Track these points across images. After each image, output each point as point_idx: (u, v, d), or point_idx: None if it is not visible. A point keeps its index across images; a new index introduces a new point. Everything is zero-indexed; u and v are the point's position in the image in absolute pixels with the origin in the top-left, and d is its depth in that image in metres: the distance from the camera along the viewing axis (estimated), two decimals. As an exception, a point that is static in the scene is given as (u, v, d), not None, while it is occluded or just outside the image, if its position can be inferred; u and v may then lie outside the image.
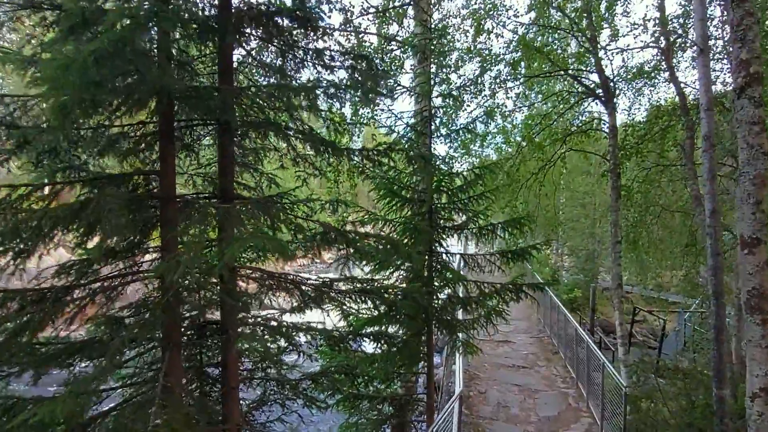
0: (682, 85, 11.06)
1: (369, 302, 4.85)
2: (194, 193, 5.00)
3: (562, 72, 11.26)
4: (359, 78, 4.08)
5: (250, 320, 5.07)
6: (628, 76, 12.41)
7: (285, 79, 4.32)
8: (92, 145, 4.32)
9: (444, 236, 7.53)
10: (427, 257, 7.20)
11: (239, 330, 5.18)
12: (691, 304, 22.42)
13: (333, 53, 4.43)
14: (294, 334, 5.56)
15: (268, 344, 5.23)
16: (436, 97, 7.12)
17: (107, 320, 4.36)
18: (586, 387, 11.08)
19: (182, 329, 5.17)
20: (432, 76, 6.90)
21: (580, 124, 12.24)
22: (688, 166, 10.64)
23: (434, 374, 8.15)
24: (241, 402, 6.20)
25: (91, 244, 4.19)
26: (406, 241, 7.72)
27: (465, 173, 7.30)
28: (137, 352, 4.26)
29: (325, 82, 4.05)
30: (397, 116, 7.41)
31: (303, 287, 4.62)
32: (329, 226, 4.39)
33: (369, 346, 6.44)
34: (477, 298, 7.67)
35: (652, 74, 12.14)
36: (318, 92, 3.95)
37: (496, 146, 12.78)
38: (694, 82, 13.55)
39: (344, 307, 5.00)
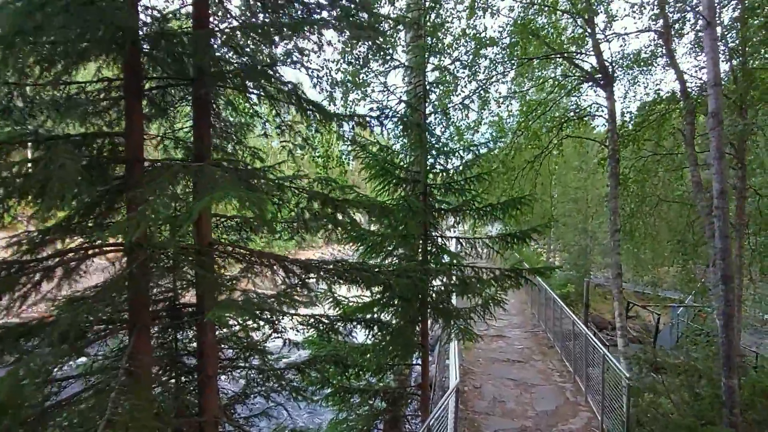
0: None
1: (361, 283, 4.40)
2: (166, 158, 4.52)
3: (559, 56, 10.90)
4: (349, 5, 3.62)
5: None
6: (626, 63, 12.11)
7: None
8: (50, 104, 3.84)
9: (439, 219, 7.12)
10: (421, 241, 6.77)
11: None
12: (684, 299, 22.33)
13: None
14: (279, 318, 5.12)
15: (248, 321, 4.78)
16: (431, 71, 6.70)
17: (67, 301, 3.88)
18: (584, 381, 10.73)
19: (155, 311, 4.70)
20: (426, 48, 6.47)
21: (578, 110, 11.89)
22: (689, 152, 10.34)
23: (429, 367, 7.74)
24: (222, 394, 5.73)
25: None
26: (400, 227, 7.30)
27: (461, 152, 6.88)
28: (99, 335, 3.78)
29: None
30: (389, 89, 6.97)
31: (287, 264, 4.16)
32: (315, 192, 3.95)
33: (360, 335, 5.99)
34: (475, 285, 7.26)
35: (650, 60, 11.84)
36: (305, 29, 3.50)
37: (492, 136, 12.39)
38: (691, 69, 13.26)
39: (333, 288, 4.56)
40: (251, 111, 4.90)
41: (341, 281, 4.49)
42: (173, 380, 4.86)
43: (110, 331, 3.88)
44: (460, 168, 7.04)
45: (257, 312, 3.98)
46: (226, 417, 5.07)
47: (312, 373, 5.44)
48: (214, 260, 4.23)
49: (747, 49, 10.99)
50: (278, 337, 5.20)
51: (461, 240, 7.05)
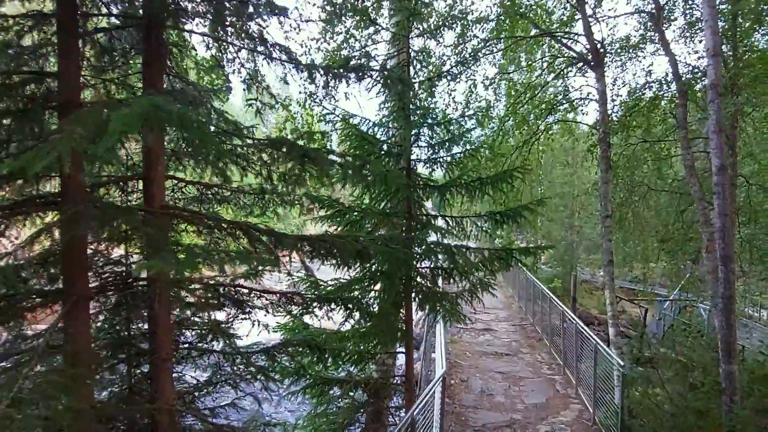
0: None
1: (336, 253, 3.89)
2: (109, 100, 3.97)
3: (548, 36, 10.51)
4: None
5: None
6: (616, 49, 11.77)
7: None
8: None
9: (424, 196, 6.64)
10: (405, 219, 6.29)
11: (175, 290, 4.18)
12: (670, 294, 22.24)
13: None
14: (247, 298, 4.60)
15: (209, 298, 4.25)
16: (417, 36, 6.22)
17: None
18: (574, 373, 10.37)
19: (103, 286, 4.14)
20: (409, 10, 5.96)
21: (567, 95, 11.52)
22: (682, 134, 10.01)
23: (413, 356, 7.23)
24: (184, 383, 5.19)
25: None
26: (381, 205, 6.82)
27: (448, 121, 6.40)
28: (30, 307, 3.23)
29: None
30: (370, 55, 6.47)
31: (254, 232, 3.64)
32: (281, 140, 3.45)
33: (338, 317, 5.47)
34: (463, 267, 6.80)
35: (640, 44, 11.51)
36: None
37: (478, 120, 11.95)
38: (682, 56, 12.99)
39: (310, 267, 4.07)
40: (212, 61, 4.37)
41: (315, 253, 3.99)
42: (124, 364, 4.31)
43: (42, 304, 3.33)
44: (447, 143, 6.56)
45: (215, 287, 3.47)
46: (185, 406, 4.53)
47: (284, 358, 4.92)
48: (168, 224, 3.70)
49: (738, 31, 10.72)
50: (245, 319, 4.67)
51: (447, 219, 6.55)
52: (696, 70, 10.49)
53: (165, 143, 4.05)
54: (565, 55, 11.02)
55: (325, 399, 7.24)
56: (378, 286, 6.73)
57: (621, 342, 10.29)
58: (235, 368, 4.93)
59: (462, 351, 12.78)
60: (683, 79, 10.36)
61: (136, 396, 4.40)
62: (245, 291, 4.54)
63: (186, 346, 4.51)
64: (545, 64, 11.31)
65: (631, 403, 7.96)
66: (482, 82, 10.66)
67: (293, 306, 4.89)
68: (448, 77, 6.72)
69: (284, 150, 3.20)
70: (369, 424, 7.47)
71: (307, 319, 6.30)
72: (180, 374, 4.89)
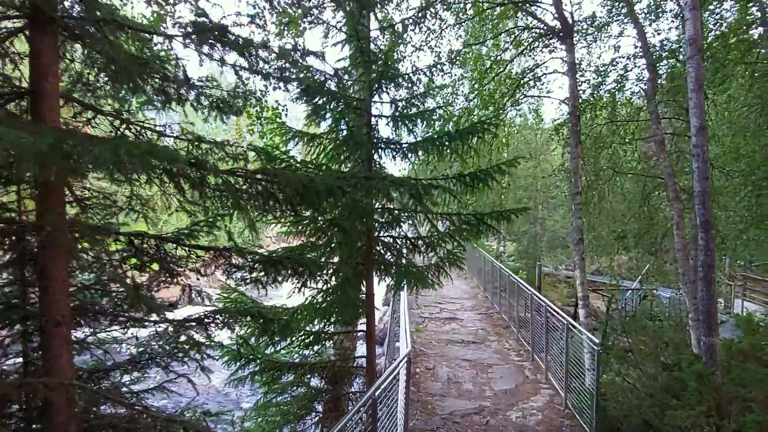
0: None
1: (274, 188, 3.16)
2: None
3: (513, 3, 10.03)
4: None
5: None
6: (584, 26, 11.44)
7: None
8: None
9: (387, 156, 5.98)
10: (365, 180, 5.59)
11: (77, 240, 3.38)
12: (632, 284, 22.42)
13: None
14: (172, 256, 3.81)
15: (124, 256, 3.45)
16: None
17: None
18: (544, 358, 9.92)
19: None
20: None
21: (536, 68, 11.08)
22: (652, 109, 9.73)
23: (375, 333, 6.54)
24: (97, 360, 4.33)
25: None
26: (338, 166, 6.10)
27: (414, 71, 5.74)
28: None
29: None
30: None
31: (182, 168, 2.88)
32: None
33: (288, 286, 4.71)
34: (431, 239, 6.17)
35: (609, 19, 11.21)
36: None
37: (444, 100, 11.40)
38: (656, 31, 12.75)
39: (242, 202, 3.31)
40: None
41: (251, 191, 3.25)
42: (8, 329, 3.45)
43: None
44: (411, 98, 5.91)
45: (129, 237, 2.67)
46: (93, 384, 3.71)
47: (221, 333, 4.13)
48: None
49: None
50: (173, 282, 3.88)
51: (406, 187, 5.88)
52: (666, 42, 10.23)
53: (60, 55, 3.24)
54: (533, 28, 10.59)
55: (277, 386, 6.48)
56: (336, 260, 6.03)
57: (591, 324, 9.95)
58: (162, 344, 4.13)
59: (427, 340, 12.20)
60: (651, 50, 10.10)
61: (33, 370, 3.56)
62: (170, 246, 3.76)
63: (94, 311, 3.66)
64: (513, 38, 10.84)
65: (607, 381, 7.54)
66: (448, 54, 10.08)
67: (233, 269, 4.13)
68: (413, 23, 6.08)
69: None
70: (327, 413, 6.75)
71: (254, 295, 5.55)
72: (90, 347, 4.04)
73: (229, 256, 3.99)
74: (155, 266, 3.82)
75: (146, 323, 3.85)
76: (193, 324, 3.88)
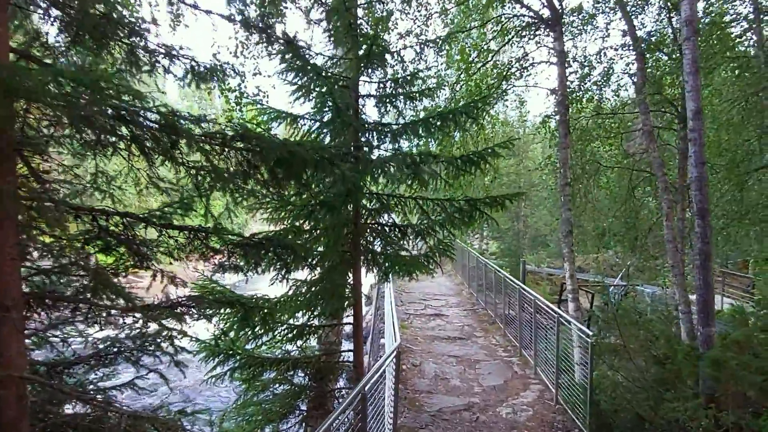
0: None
1: (258, 159, 2.83)
2: None
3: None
4: None
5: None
6: (572, 19, 11.29)
7: None
8: None
9: (374, 139, 5.65)
10: (353, 161, 5.26)
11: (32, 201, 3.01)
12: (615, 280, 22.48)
13: None
14: (141, 237, 3.45)
15: (88, 236, 3.08)
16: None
17: None
18: (533, 353, 9.71)
19: None
20: None
21: (524, 57, 10.88)
22: (640, 99, 9.60)
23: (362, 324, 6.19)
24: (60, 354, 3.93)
25: None
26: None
27: (403, 47, 5.44)
28: None
29: None
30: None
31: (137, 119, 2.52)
32: None
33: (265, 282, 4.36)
34: (421, 227, 5.88)
35: (596, 12, 11.07)
36: None
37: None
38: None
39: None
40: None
41: (228, 155, 2.90)
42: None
43: None
44: (400, 79, 5.61)
45: (92, 214, 2.30)
46: (52, 380, 3.31)
47: (192, 318, 3.75)
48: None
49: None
50: (141, 266, 3.49)
51: (399, 157, 5.53)
52: (653, 33, 10.12)
53: None
54: (521, 16, 10.38)
55: (258, 383, 6.10)
56: (321, 249, 5.68)
57: (581, 318, 9.77)
58: (131, 335, 3.75)
59: (413, 336, 11.91)
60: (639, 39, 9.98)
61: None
62: (141, 227, 3.38)
63: (52, 296, 3.25)
64: (500, 26, 10.62)
65: (597, 377, 7.34)
66: (434, 41, 9.81)
67: (210, 253, 3.76)
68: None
69: None
70: (311, 411, 6.39)
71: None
72: (49, 338, 3.63)
73: (206, 237, 3.63)
74: (123, 249, 3.44)
75: (112, 312, 3.46)
76: (166, 312, 3.50)
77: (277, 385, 6.45)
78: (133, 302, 3.44)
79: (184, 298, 3.56)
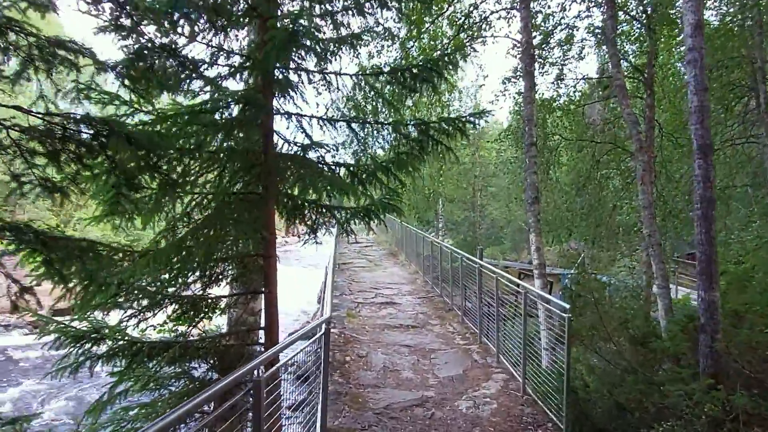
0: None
1: None
2: None
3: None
4: None
5: None
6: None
7: None
8: None
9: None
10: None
11: None
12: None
13: None
14: None
15: None
16: None
17: None
18: (495, 340, 8.47)
19: None
20: None
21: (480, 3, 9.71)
22: (611, 52, 8.55)
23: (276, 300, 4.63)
24: None
25: None
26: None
27: None
28: None
29: None
30: None
31: None
32: None
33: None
34: (360, 169, 4.47)
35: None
36: None
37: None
38: None
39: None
40: None
41: None
42: None
43: None
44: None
45: None
46: None
47: None
48: None
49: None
50: None
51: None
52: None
53: None
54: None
55: (139, 379, 4.50)
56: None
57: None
58: None
59: (360, 325, 10.49)
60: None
61: None
62: None
63: None
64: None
65: (574, 361, 6.16)
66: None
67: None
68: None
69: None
70: (217, 410, 4.83)
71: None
72: None
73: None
74: None
75: None
76: None
77: (172, 383, 4.88)
78: None
79: None
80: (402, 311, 11.96)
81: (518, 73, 9.91)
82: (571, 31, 10.59)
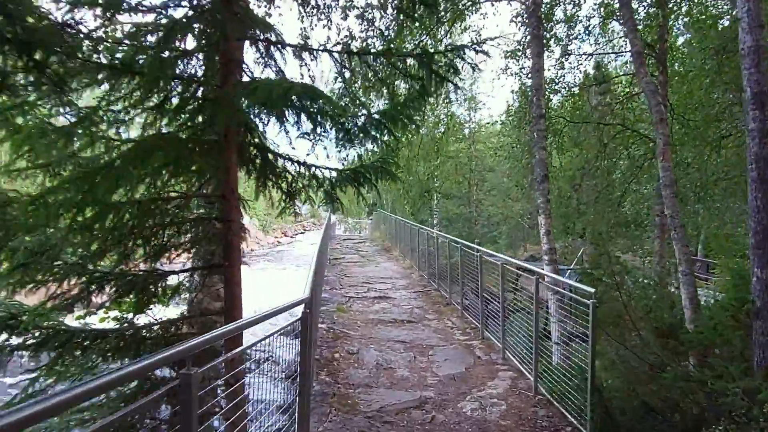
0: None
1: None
2: None
3: None
4: None
5: None
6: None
7: None
8: None
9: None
10: None
11: None
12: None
13: None
14: None
15: None
16: None
17: None
18: (499, 334, 7.63)
19: None
20: None
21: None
22: (626, 16, 7.75)
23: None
24: None
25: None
26: None
27: None
28: None
29: None
30: None
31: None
32: None
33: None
34: (349, 120, 3.62)
35: None
36: None
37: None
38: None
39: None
40: None
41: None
42: None
43: None
44: None
45: None
46: None
47: None
48: None
49: None
50: None
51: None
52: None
53: None
54: None
55: (74, 373, 3.60)
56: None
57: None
58: None
59: (351, 320, 9.63)
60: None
61: None
62: None
63: None
64: None
65: (601, 353, 5.32)
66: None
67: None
68: None
69: None
70: (177, 415, 3.96)
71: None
72: None
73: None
74: None
75: None
76: None
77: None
78: None
79: None
80: (397, 305, 11.10)
81: (524, 42, 9.05)
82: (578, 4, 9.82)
